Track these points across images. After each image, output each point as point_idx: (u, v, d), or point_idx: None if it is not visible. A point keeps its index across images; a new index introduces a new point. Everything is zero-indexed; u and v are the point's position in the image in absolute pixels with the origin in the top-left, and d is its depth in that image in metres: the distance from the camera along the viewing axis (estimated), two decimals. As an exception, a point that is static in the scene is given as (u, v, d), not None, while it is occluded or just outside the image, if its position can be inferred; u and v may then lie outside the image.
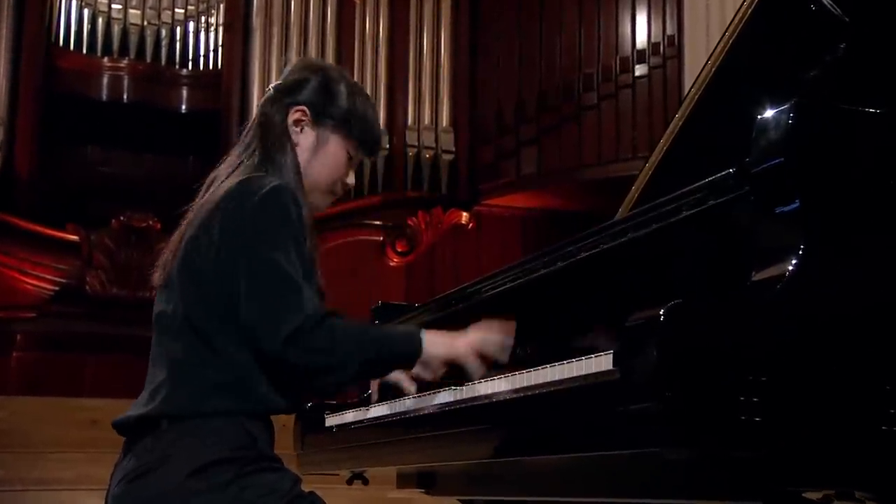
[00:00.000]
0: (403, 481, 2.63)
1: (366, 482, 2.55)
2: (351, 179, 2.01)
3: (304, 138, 1.95)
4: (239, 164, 1.91)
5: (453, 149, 8.53)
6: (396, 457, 2.14)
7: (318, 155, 1.94)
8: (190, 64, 8.72)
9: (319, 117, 1.94)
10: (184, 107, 8.60)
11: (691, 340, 1.34)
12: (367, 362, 1.80)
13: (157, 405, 1.78)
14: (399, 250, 8.21)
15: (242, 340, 1.77)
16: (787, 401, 1.34)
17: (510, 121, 8.46)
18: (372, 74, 8.61)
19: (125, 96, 8.48)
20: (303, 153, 1.94)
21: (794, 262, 1.38)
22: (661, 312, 1.35)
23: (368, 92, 8.58)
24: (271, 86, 2.00)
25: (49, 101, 8.19)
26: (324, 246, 7.98)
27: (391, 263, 8.19)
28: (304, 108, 1.94)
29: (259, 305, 1.73)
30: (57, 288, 7.60)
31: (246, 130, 1.97)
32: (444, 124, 8.57)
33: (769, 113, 1.51)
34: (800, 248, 1.40)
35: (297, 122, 1.94)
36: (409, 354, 1.84)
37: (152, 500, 1.73)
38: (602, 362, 1.48)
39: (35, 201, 7.91)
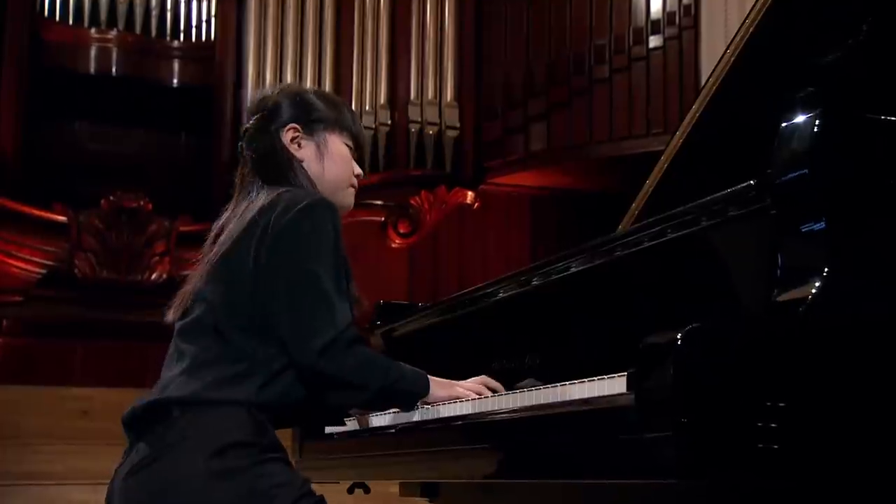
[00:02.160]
0: (407, 490, 2.65)
1: (367, 490, 2.56)
2: (358, 170, 2.15)
3: (306, 151, 2.08)
4: (248, 206, 1.97)
5: (458, 124, 8.48)
6: (401, 469, 2.15)
7: (326, 158, 2.08)
8: (181, 35, 8.69)
9: (310, 125, 2.08)
10: (175, 80, 8.57)
11: (710, 366, 1.34)
12: (382, 391, 1.93)
13: (170, 393, 1.86)
14: (401, 231, 8.19)
15: (264, 340, 1.87)
16: (809, 430, 1.34)
17: (518, 95, 8.42)
18: (373, 46, 8.57)
19: (114, 69, 8.45)
20: (311, 164, 2.07)
21: (817, 283, 1.38)
22: (678, 336, 1.35)
23: (369, 65, 8.55)
24: (247, 125, 2.11)
25: (34, 74, 8.16)
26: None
27: (393, 245, 8.18)
28: (293, 124, 2.07)
29: (296, 318, 1.85)
30: (44, 271, 7.59)
31: (239, 176, 2.07)
32: (449, 99, 8.52)
33: (793, 121, 1.50)
34: (824, 268, 1.40)
35: (293, 140, 2.07)
36: (417, 394, 1.98)
37: (167, 487, 1.77)
38: (616, 384, 1.48)
39: (20, 180, 7.90)
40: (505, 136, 8.47)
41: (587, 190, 8.32)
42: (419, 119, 8.43)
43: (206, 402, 1.84)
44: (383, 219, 8.16)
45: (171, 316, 1.98)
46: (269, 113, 2.09)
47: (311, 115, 2.09)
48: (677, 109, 7.60)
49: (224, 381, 1.85)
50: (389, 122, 8.43)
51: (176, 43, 8.64)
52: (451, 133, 8.46)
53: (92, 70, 8.42)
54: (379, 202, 8.20)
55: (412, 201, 8.20)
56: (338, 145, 2.10)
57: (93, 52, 8.42)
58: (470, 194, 8.36)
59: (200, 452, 1.78)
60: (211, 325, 1.89)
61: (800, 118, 1.49)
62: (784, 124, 1.50)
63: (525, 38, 8.53)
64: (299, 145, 2.07)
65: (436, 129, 8.42)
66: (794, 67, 2.13)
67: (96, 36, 8.45)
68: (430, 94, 8.50)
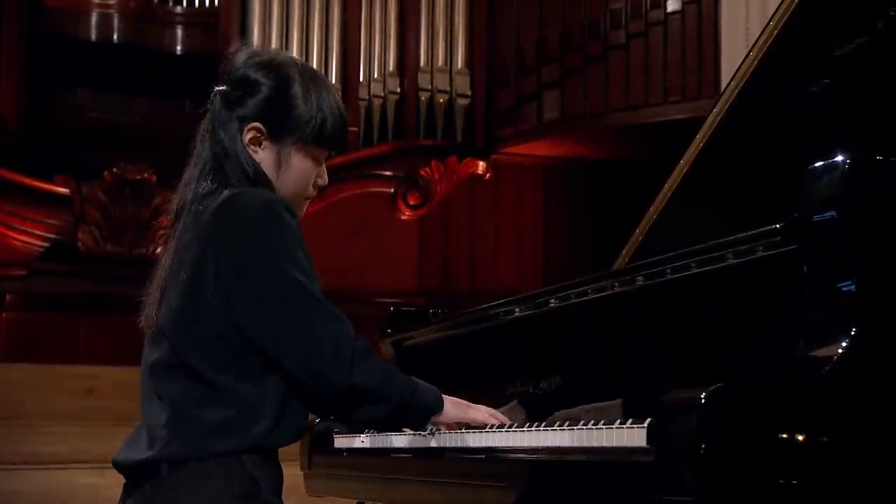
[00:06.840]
0: (419, 504, 2.65)
1: (378, 503, 2.56)
2: (323, 179, 1.98)
3: (265, 155, 1.90)
4: (205, 187, 1.86)
5: (469, 92, 8.41)
6: (411, 494, 2.14)
7: (283, 171, 1.91)
8: (185, 1, 8.62)
9: (276, 133, 1.89)
10: (179, 48, 8.51)
11: (735, 428, 1.33)
12: (401, 404, 1.82)
13: (157, 452, 1.79)
14: (411, 203, 8.16)
15: (245, 378, 1.77)
16: (837, 494, 1.33)
17: (531, 62, 8.35)
18: (381, 11, 8.49)
19: (115, 36, 8.40)
20: (266, 170, 1.90)
21: (844, 343, 1.36)
22: (702, 396, 1.34)
23: (378, 31, 8.46)
24: (217, 92, 1.92)
25: (34, 41, 8.11)
26: (330, 199, 7.95)
27: (403, 217, 8.16)
28: (259, 124, 1.88)
29: (306, 340, 1.75)
30: (48, 244, 7.59)
31: (199, 148, 1.91)
32: (460, 66, 8.44)
33: (821, 163, 1.47)
34: (853, 321, 1.38)
35: (253, 141, 1.89)
36: (432, 411, 1.88)
37: None
38: (635, 436, 1.47)
39: (21, 151, 7.88)
40: (517, 104, 8.40)
41: (602, 160, 8.27)
42: (429, 87, 8.35)
43: (196, 458, 1.75)
44: (392, 190, 8.13)
45: (143, 324, 1.86)
46: (242, 94, 1.89)
47: (286, 120, 1.89)
48: (696, 76, 7.53)
49: (213, 430, 1.76)
50: (399, 90, 8.36)
51: (179, 9, 8.57)
52: (462, 101, 8.39)
53: (93, 37, 8.38)
54: (388, 173, 8.17)
55: (422, 172, 8.16)
56: (302, 161, 1.91)
57: (94, 19, 8.37)
58: (481, 164, 8.31)
59: None
60: (181, 366, 1.79)
61: (829, 160, 1.46)
62: (812, 166, 1.48)
63: (538, 2, 8.45)
64: (258, 147, 1.89)
65: (446, 97, 8.36)
66: (819, 82, 2.10)
67: (97, 1, 8.40)
68: (440, 60, 8.43)
